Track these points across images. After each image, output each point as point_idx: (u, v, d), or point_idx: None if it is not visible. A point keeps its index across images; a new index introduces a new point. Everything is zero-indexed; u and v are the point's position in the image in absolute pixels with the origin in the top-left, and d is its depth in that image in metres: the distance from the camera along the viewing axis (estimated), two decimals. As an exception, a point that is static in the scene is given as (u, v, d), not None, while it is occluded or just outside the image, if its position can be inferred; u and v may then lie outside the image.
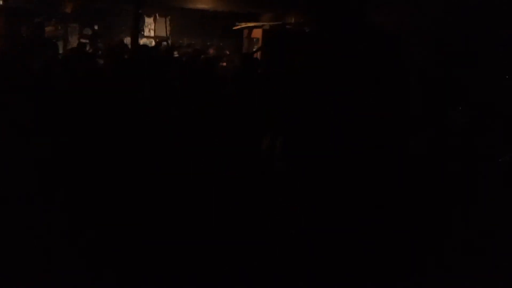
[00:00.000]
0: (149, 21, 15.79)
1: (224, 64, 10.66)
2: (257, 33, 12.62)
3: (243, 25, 13.04)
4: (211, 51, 12.90)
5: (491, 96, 5.04)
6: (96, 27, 14.49)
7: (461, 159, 4.19)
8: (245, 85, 5.23)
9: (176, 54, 11.43)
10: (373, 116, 2.13)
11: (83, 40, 12.88)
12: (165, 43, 13.61)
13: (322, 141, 2.19)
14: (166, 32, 15.18)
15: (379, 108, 2.13)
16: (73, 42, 13.26)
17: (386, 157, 2.19)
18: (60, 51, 10.87)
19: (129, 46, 10.65)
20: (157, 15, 15.67)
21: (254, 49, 11.51)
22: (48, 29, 13.34)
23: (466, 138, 4.28)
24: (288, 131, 2.48)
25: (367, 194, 2.16)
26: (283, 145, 2.79)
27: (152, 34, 15.85)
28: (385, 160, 2.18)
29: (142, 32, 15.34)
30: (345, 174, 2.16)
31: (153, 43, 14.49)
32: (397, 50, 2.20)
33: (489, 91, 5.10)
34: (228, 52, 13.63)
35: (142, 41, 14.39)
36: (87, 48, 10.99)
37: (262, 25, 12.45)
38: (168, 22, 15.32)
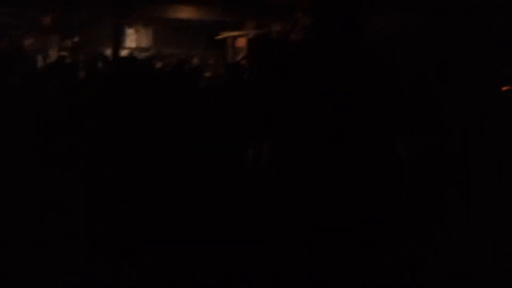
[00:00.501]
0: (130, 32, 15.65)
1: (209, 74, 10.56)
2: (242, 42, 12.60)
3: (227, 34, 13.02)
4: (194, 61, 12.84)
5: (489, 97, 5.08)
6: (76, 39, 14.31)
7: (460, 160, 4.20)
8: (232, 93, 5.15)
9: (159, 65, 11.31)
10: (364, 121, 2.18)
11: (63, 53, 12.71)
12: (146, 54, 13.53)
13: (314, 145, 2.24)
14: (149, 42, 15.10)
15: (369, 113, 2.18)
16: (53, 54, 13.07)
17: (382, 159, 2.24)
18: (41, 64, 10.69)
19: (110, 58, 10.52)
20: (139, 25, 15.57)
21: (239, 58, 11.44)
22: (27, 42, 13.19)
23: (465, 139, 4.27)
24: (280, 136, 2.49)
25: (364, 195, 2.21)
26: (276, 150, 2.80)
27: (133, 45, 15.70)
28: (381, 162, 2.23)
29: (124, 43, 15.20)
30: (340, 176, 2.20)
31: (133, 55, 14.36)
32: (386, 59, 2.26)
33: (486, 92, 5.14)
34: (212, 62, 13.58)
35: (124, 52, 14.25)
36: (68, 61, 10.81)
37: (246, 34, 12.42)
38: (150, 33, 15.23)
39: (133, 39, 15.72)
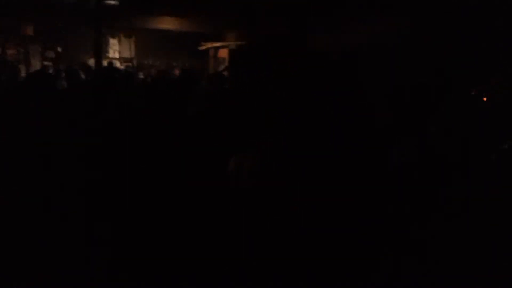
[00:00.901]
0: (113, 42, 15.64)
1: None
2: (224, 53, 12.66)
3: (209, 45, 13.07)
4: (176, 71, 12.85)
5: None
6: (59, 49, 14.27)
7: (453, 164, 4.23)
8: (214, 103, 5.19)
9: (141, 75, 11.34)
10: (351, 124, 2.26)
11: (46, 63, 12.68)
12: (128, 64, 13.54)
13: (303, 150, 2.29)
14: (131, 53, 15.09)
15: (356, 117, 2.26)
16: (36, 64, 13.02)
17: (371, 164, 2.33)
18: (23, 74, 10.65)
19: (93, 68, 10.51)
20: (121, 36, 15.56)
21: (221, 69, 11.53)
22: (9, 51, 13.13)
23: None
24: (265, 144, 2.55)
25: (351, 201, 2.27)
26: (261, 157, 2.81)
27: (116, 55, 15.69)
28: (370, 167, 2.32)
29: (107, 54, 15.18)
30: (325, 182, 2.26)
31: (118, 64, 14.35)
32: (352, 65, 2.35)
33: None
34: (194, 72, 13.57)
35: (107, 62, 14.22)
36: (50, 71, 10.80)
37: (228, 45, 12.49)
38: (133, 43, 15.22)
39: (116, 50, 15.73)
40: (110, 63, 12.67)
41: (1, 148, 5.13)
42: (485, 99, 5.95)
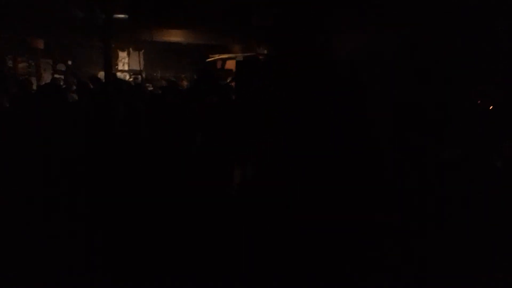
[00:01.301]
0: (122, 55, 15.83)
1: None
2: (231, 65, 12.75)
3: (217, 56, 13.15)
4: (184, 83, 12.98)
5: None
6: (69, 62, 14.46)
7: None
8: (222, 112, 5.31)
9: (150, 87, 11.48)
10: (348, 127, 2.30)
11: (56, 76, 12.83)
12: (139, 76, 13.68)
13: (305, 153, 2.38)
14: (140, 65, 15.23)
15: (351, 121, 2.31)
16: (47, 78, 13.19)
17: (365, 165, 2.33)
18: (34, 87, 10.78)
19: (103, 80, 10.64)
20: (130, 48, 15.74)
21: (228, 80, 11.63)
22: (20, 65, 13.29)
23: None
24: (268, 151, 2.61)
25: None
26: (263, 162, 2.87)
27: (126, 68, 15.89)
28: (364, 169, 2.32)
29: (116, 66, 15.37)
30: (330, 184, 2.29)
31: (127, 77, 14.54)
32: (350, 74, 2.40)
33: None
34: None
35: (116, 75, 14.38)
36: (62, 84, 10.97)
37: (235, 57, 12.58)
38: (141, 56, 15.37)
39: (125, 62, 15.92)
40: (114, 75, 12.79)
41: (16, 158, 5.28)
42: (490, 107, 5.97)
